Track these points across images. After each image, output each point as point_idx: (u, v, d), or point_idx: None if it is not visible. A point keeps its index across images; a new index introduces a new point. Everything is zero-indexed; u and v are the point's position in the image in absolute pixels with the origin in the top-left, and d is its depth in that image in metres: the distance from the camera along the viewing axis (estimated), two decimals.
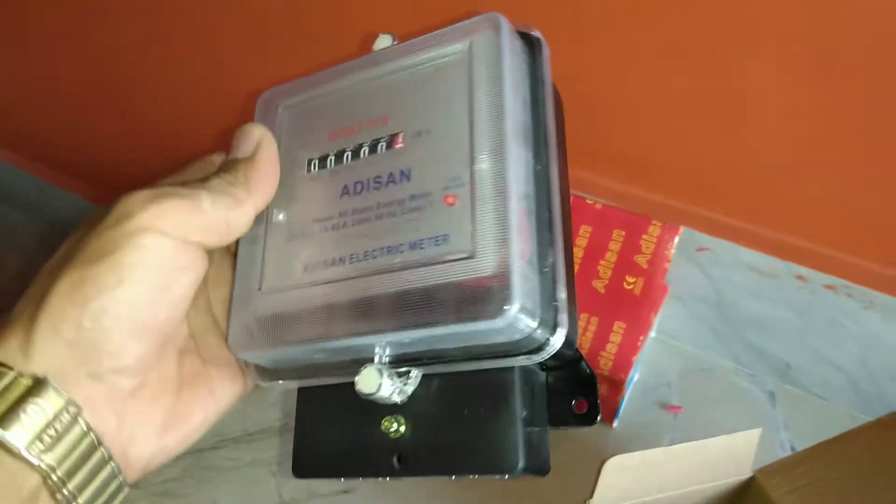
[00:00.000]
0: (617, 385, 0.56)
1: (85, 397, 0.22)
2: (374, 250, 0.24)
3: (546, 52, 0.25)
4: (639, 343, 0.55)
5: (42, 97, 0.89)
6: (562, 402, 0.27)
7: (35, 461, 0.21)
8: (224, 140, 0.28)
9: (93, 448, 0.22)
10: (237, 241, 0.27)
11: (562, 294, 0.23)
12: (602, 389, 0.57)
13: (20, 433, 0.21)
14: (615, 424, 0.60)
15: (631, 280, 0.55)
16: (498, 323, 0.20)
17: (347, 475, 0.27)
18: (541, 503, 0.55)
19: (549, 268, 0.22)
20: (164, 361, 0.26)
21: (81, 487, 0.22)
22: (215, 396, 0.27)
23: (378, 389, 0.23)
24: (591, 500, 0.45)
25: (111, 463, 0.23)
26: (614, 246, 0.56)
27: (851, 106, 0.52)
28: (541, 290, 0.22)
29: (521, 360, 0.23)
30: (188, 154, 0.29)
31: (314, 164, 0.27)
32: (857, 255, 0.58)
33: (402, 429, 0.25)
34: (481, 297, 0.21)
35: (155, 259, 0.22)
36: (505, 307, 0.20)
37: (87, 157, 0.90)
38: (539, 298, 0.22)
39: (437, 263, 0.22)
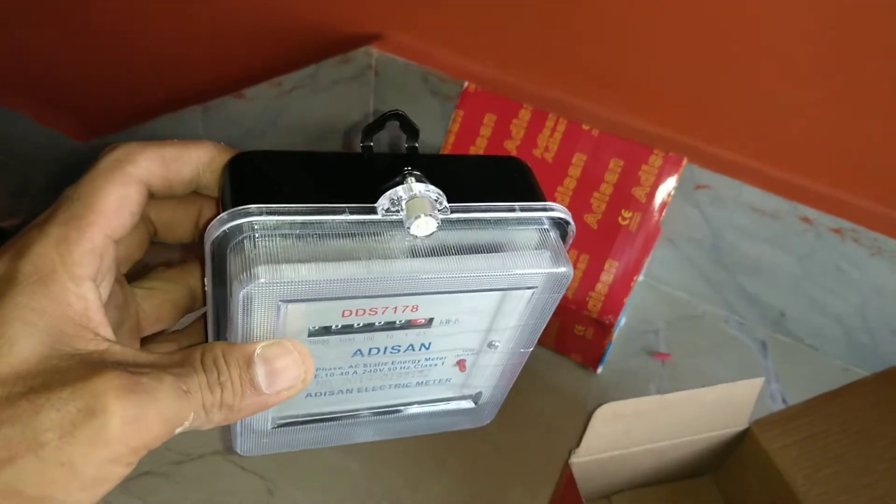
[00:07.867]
0: (605, 328, 0.51)
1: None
2: (381, 386, 0.28)
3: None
4: (632, 283, 0.51)
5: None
6: None
7: None
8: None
9: None
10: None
11: None
12: (588, 333, 0.53)
13: None
14: (600, 370, 0.56)
15: (627, 215, 0.50)
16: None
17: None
18: (526, 453, 0.51)
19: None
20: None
21: None
22: None
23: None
24: (576, 450, 0.41)
25: None
26: (610, 177, 0.50)
27: (863, 38, 0.47)
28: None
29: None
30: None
31: (317, 331, 0.26)
32: (868, 197, 0.54)
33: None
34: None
35: (130, 204, 0.23)
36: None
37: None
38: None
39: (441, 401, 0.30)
